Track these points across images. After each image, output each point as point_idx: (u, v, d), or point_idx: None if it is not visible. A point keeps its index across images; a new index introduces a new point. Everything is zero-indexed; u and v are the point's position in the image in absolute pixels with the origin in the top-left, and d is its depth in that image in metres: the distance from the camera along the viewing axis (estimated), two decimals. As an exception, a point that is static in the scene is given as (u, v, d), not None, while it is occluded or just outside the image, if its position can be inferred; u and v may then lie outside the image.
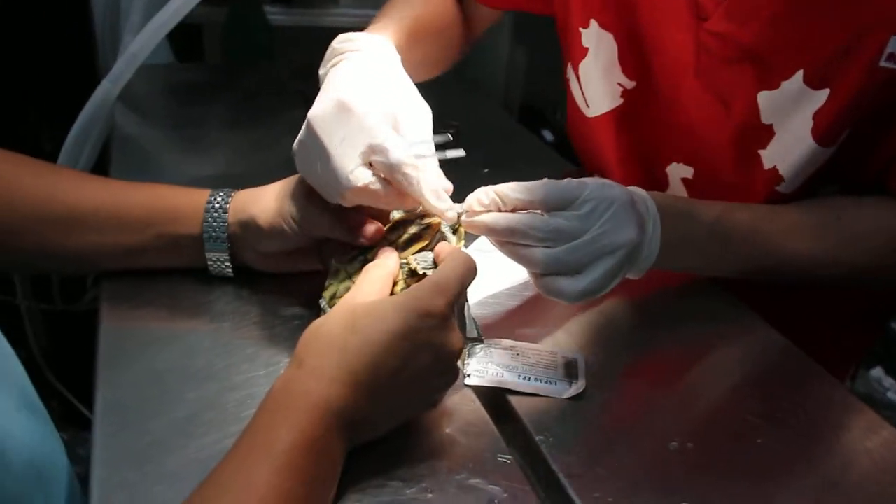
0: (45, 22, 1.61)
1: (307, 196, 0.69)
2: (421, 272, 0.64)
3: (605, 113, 0.93)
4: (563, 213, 0.64)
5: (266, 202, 0.71)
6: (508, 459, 0.61)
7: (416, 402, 0.60)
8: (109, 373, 0.65)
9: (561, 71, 0.97)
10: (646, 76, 0.88)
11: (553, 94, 1.22)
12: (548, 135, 1.60)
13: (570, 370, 0.69)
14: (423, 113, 0.66)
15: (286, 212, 0.69)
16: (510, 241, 0.66)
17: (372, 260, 0.67)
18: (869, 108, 0.73)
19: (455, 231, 0.70)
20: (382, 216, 0.71)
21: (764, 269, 0.77)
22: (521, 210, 0.66)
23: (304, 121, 0.65)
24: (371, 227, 0.68)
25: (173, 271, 0.76)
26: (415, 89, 0.69)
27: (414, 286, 0.59)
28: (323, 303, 0.67)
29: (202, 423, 0.61)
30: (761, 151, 0.79)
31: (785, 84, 0.76)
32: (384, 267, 0.63)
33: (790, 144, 0.77)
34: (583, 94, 0.94)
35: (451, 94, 1.30)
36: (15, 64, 1.58)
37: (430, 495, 0.57)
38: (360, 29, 0.77)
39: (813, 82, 0.74)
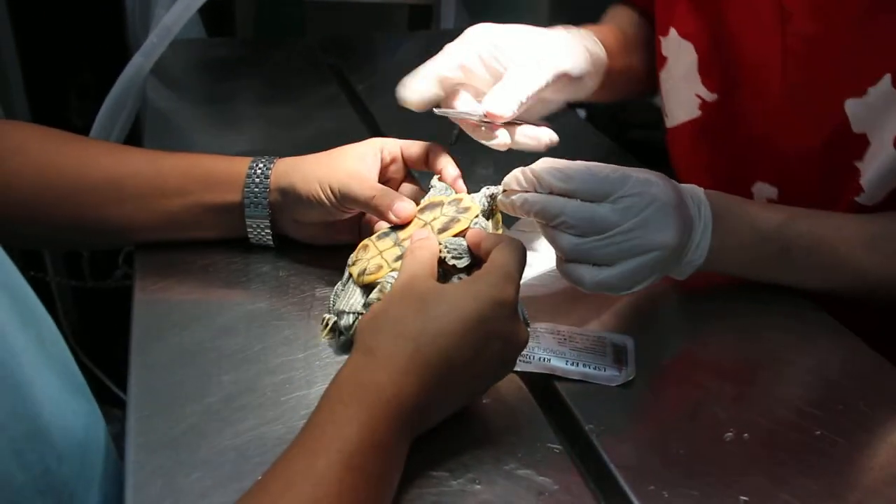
0: (76, -2, 1.58)
1: (347, 169, 0.68)
2: (451, 262, 0.61)
3: (682, 123, 0.89)
4: (601, 205, 0.61)
5: (307, 171, 0.69)
6: (558, 449, 0.58)
7: (475, 392, 0.57)
8: (143, 355, 0.63)
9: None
10: (728, 88, 0.83)
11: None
12: (581, 112, 1.55)
13: (619, 356, 0.66)
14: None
15: (325, 183, 0.68)
16: (542, 221, 0.63)
17: (404, 238, 0.64)
18: None
19: (489, 217, 0.67)
20: (417, 197, 0.70)
21: (833, 285, 0.71)
22: (559, 194, 0.63)
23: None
24: (405, 206, 0.66)
25: (208, 246, 0.73)
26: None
27: (483, 271, 0.56)
28: (349, 280, 0.64)
29: (238, 407, 0.58)
30: (858, 163, 0.74)
31: (872, 90, 0.70)
32: (429, 249, 0.60)
33: (875, 153, 0.72)
34: (663, 102, 0.91)
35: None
36: (46, 39, 1.56)
37: (477, 486, 0.54)
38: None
39: None
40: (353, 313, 0.63)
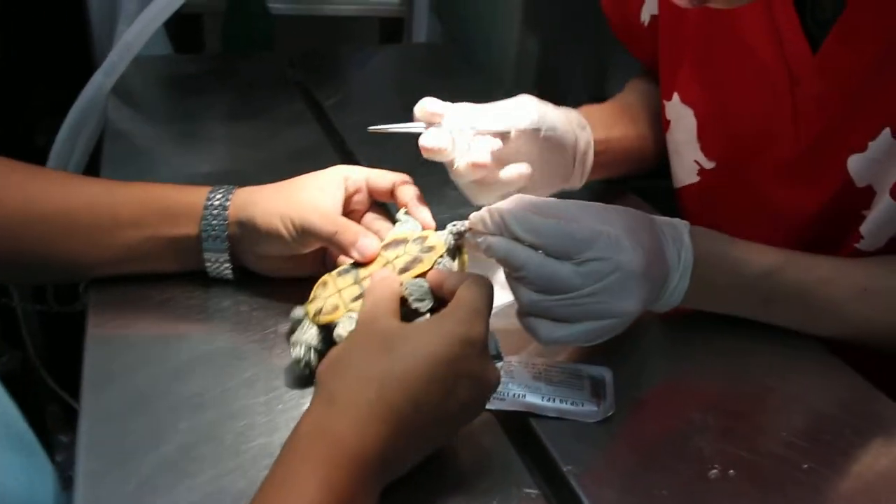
0: (40, 12, 1.53)
1: (308, 202, 0.65)
2: (414, 305, 0.58)
3: (685, 187, 0.87)
4: (564, 264, 0.58)
5: (267, 203, 0.66)
6: (535, 493, 0.54)
7: (445, 436, 0.54)
8: (94, 401, 0.59)
9: (575, 60, 0.91)
10: (728, 156, 0.82)
11: (565, 83, 1.15)
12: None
13: (596, 389, 0.62)
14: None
15: (286, 216, 0.65)
16: (505, 269, 0.61)
17: (365, 276, 0.62)
18: None
19: (455, 255, 0.64)
20: (383, 229, 0.68)
21: (817, 332, 0.69)
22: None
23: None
24: (369, 243, 0.64)
25: (166, 279, 0.70)
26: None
27: (448, 310, 0.53)
28: (301, 312, 0.62)
29: (196, 457, 0.54)
30: (865, 212, 0.72)
31: (872, 144, 0.68)
32: (390, 288, 0.57)
33: (877, 202, 0.70)
34: (670, 163, 0.90)
35: (457, 80, 1.22)
36: (9, 56, 1.51)
37: (449, 539, 0.50)
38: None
39: None
40: (307, 346, 0.60)
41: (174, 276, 0.70)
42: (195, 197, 0.68)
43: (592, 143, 0.78)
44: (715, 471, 0.56)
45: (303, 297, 0.66)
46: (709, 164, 0.83)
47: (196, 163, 0.94)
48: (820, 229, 0.75)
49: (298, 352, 0.60)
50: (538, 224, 0.59)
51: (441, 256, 0.62)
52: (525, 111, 0.70)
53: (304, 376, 0.61)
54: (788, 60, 0.72)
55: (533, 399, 0.61)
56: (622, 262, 0.58)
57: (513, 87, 1.23)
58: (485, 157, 0.66)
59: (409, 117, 0.94)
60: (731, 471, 0.56)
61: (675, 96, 0.84)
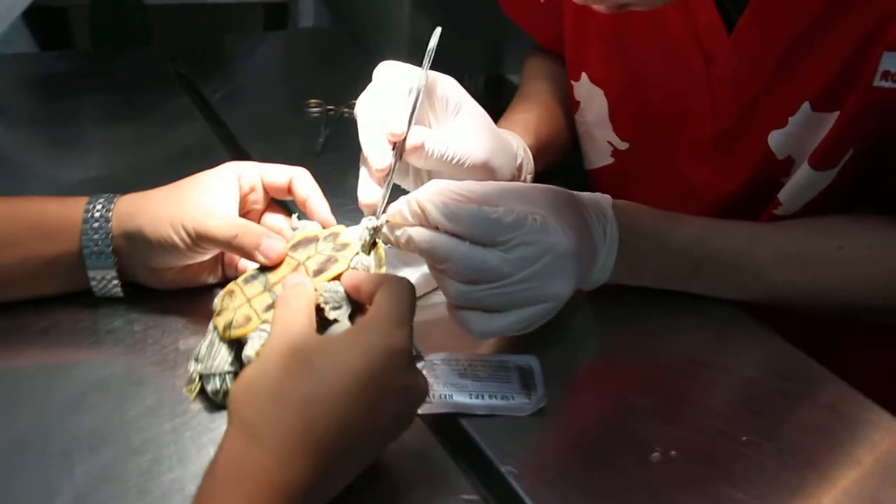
0: None
1: (201, 205, 0.60)
2: (330, 315, 0.54)
3: (598, 169, 0.85)
4: (492, 251, 0.55)
5: (155, 210, 0.60)
6: (474, 499, 0.51)
7: (376, 453, 0.50)
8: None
9: (468, 39, 0.87)
10: (641, 136, 0.79)
11: (460, 63, 1.12)
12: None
13: (526, 380, 0.59)
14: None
15: (177, 223, 0.59)
16: (431, 262, 0.58)
17: (276, 282, 0.57)
18: (870, 130, 0.64)
19: (370, 252, 0.59)
20: (285, 230, 0.63)
21: (746, 298, 0.68)
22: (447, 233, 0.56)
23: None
24: (274, 244, 0.59)
25: (46, 303, 0.63)
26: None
27: (369, 318, 0.49)
28: (213, 333, 0.56)
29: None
30: (784, 179, 0.71)
31: (792, 119, 0.67)
32: (305, 295, 0.52)
33: (795, 170, 0.69)
34: (581, 144, 0.87)
35: (348, 65, 1.16)
36: None
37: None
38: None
39: (822, 108, 0.66)
40: (220, 374, 0.55)
41: (56, 298, 0.63)
42: (72, 209, 0.61)
43: (532, 165, 0.75)
44: (657, 454, 0.54)
45: (203, 310, 0.62)
46: (622, 145, 0.81)
47: (71, 171, 0.85)
48: (739, 202, 0.74)
49: (214, 384, 0.55)
50: (460, 211, 0.55)
51: (356, 254, 0.58)
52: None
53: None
54: (703, 40, 0.71)
55: (461, 398, 0.57)
56: (551, 244, 0.55)
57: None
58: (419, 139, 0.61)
59: (302, 107, 0.88)
60: (673, 452, 0.54)
61: (584, 76, 0.81)
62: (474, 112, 0.65)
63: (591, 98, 0.81)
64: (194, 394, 0.56)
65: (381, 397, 0.46)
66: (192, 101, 1.04)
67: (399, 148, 0.61)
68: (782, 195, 0.70)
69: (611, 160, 0.83)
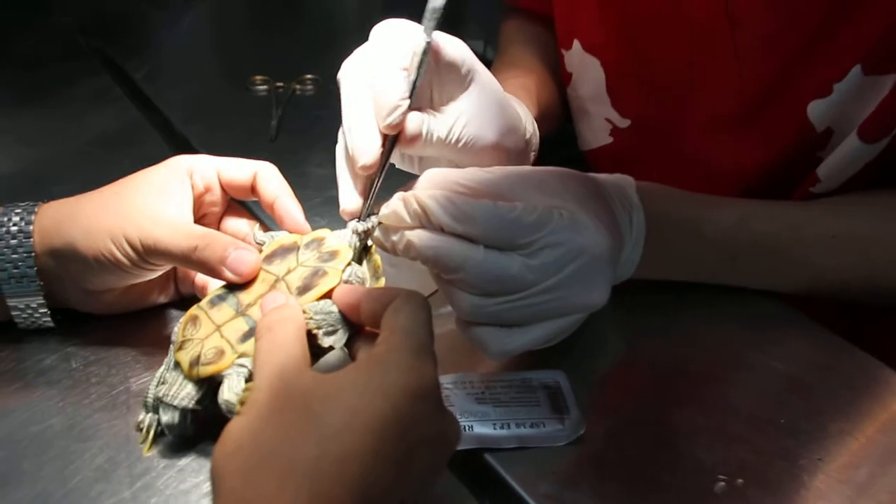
0: None
1: (148, 212, 0.51)
2: (325, 343, 0.45)
3: (595, 150, 0.76)
4: (511, 256, 0.47)
5: (89, 221, 0.51)
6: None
7: None
8: None
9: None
10: (645, 112, 0.71)
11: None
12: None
13: (555, 400, 0.51)
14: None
15: (118, 235, 0.50)
16: (436, 272, 0.49)
17: (250, 303, 0.48)
18: None
19: (361, 260, 0.51)
20: (250, 237, 0.55)
21: (788, 289, 0.61)
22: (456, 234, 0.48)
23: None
24: (245, 256, 0.50)
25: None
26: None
27: (383, 350, 0.40)
28: (175, 362, 0.47)
29: None
30: (820, 153, 0.63)
31: (838, 86, 0.60)
32: (293, 322, 0.44)
33: (836, 143, 0.62)
34: (574, 122, 0.78)
35: (288, 29, 1.06)
36: None
37: None
38: None
39: (876, 70, 0.58)
40: (181, 409, 0.46)
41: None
42: None
43: (537, 141, 0.66)
44: (721, 483, 0.47)
45: (156, 336, 0.53)
46: (623, 123, 0.74)
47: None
48: (767, 181, 0.67)
49: (172, 417, 0.46)
50: (471, 209, 0.46)
51: (349, 264, 0.49)
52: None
53: (178, 442, 0.47)
54: None
55: (483, 429, 0.49)
56: (583, 245, 0.47)
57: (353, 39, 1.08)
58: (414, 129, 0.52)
59: (246, 84, 0.77)
60: (739, 479, 0.47)
61: (576, 44, 0.73)
62: (485, 82, 0.56)
63: (585, 69, 0.73)
64: (148, 445, 0.47)
65: (406, 452, 0.38)
66: (113, 79, 0.93)
67: (392, 137, 0.52)
68: (822, 171, 0.63)
69: (609, 140, 0.75)
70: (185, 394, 0.46)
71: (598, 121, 0.75)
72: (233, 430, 0.38)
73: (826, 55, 0.60)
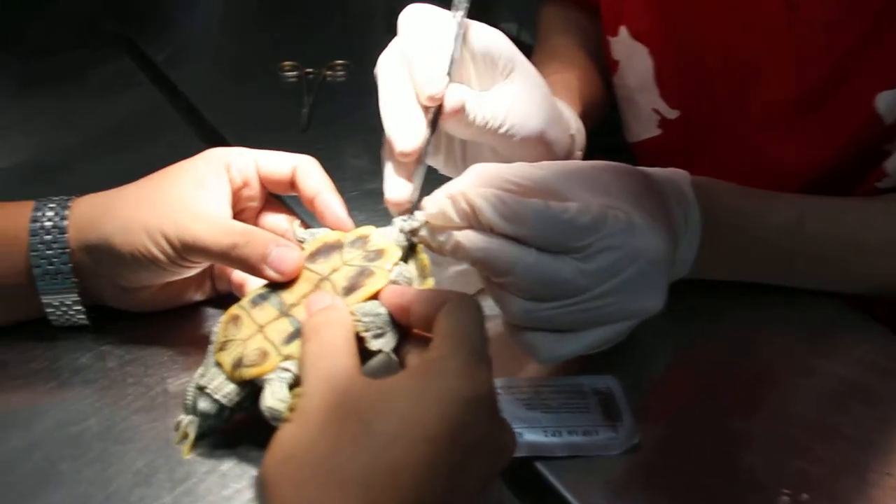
0: None
1: (186, 206, 0.50)
2: (373, 346, 0.44)
3: (642, 141, 0.75)
4: (564, 260, 0.46)
5: (125, 215, 0.50)
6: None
7: None
8: None
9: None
10: (694, 104, 0.69)
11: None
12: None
13: (607, 407, 0.50)
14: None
15: (156, 231, 0.49)
16: (485, 274, 0.48)
17: (294, 304, 0.47)
18: None
19: (408, 260, 0.50)
20: (290, 233, 0.54)
21: (847, 291, 0.60)
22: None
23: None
24: (288, 254, 0.49)
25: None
26: None
27: (437, 356, 0.40)
28: (216, 363, 0.46)
29: None
30: (888, 146, 0.62)
31: None
32: (341, 325, 0.43)
33: None
34: (620, 112, 0.76)
35: (314, 11, 1.05)
36: None
37: None
38: None
39: None
40: (219, 400, 0.45)
41: (2, 331, 0.53)
42: (14, 217, 0.51)
43: (584, 139, 0.65)
44: (785, 498, 0.45)
45: (193, 335, 0.53)
46: (671, 114, 0.72)
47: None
48: (828, 176, 0.65)
49: (210, 407, 0.45)
50: (522, 210, 0.45)
51: (396, 263, 0.48)
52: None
53: (218, 443, 0.46)
54: None
55: (534, 436, 0.48)
56: (640, 248, 0.46)
57: (384, 23, 1.07)
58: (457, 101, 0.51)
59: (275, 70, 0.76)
60: (804, 494, 0.46)
61: (623, 30, 0.71)
62: (527, 71, 0.55)
63: (633, 57, 0.72)
64: (188, 447, 0.46)
65: (461, 461, 0.37)
66: (134, 62, 0.92)
67: (434, 116, 0.51)
68: (890, 165, 0.61)
69: (658, 131, 0.73)
70: (227, 391, 0.45)
71: (646, 112, 0.73)
72: (284, 438, 0.38)
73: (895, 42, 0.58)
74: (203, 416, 0.45)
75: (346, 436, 0.37)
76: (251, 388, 0.45)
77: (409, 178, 0.51)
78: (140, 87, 0.87)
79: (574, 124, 0.62)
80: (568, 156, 0.60)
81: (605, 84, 0.76)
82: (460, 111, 0.51)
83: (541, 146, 0.56)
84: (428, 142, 0.51)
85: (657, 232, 0.47)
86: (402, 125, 0.50)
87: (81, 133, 0.78)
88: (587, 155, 0.61)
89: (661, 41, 0.70)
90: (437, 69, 0.50)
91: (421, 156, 0.51)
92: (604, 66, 0.76)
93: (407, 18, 0.53)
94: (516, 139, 0.54)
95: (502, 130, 0.53)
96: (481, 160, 0.53)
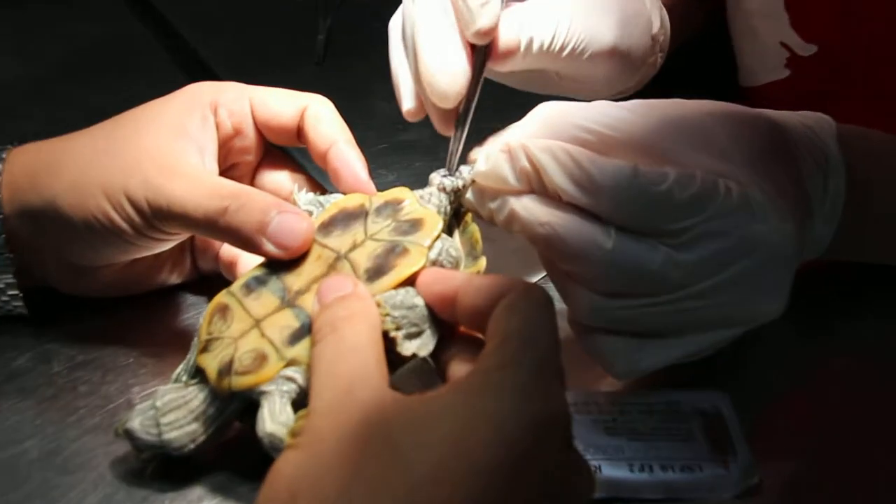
0: None
1: (159, 158, 0.48)
2: (405, 350, 0.42)
3: (763, 86, 0.72)
4: (654, 246, 0.44)
5: (78, 170, 0.49)
6: None
7: None
8: None
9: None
10: (836, 36, 0.66)
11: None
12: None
13: (716, 434, 0.46)
14: None
15: (118, 190, 0.47)
16: (548, 256, 0.48)
17: (301, 290, 0.45)
18: None
19: (452, 230, 0.48)
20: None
21: None
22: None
23: None
24: (294, 222, 0.46)
25: None
26: None
27: (493, 366, 0.37)
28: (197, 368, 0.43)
29: None
30: None
31: None
32: (366, 319, 0.41)
33: None
34: (735, 47, 0.74)
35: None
36: None
37: None
38: None
39: None
40: (196, 433, 0.42)
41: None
42: None
43: (668, 37, 0.64)
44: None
45: (167, 331, 0.52)
46: (806, 50, 0.68)
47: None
48: None
49: (181, 438, 0.42)
50: (601, 174, 0.43)
51: (438, 237, 0.45)
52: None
53: (192, 472, 0.44)
54: None
55: (615, 472, 0.45)
56: (759, 235, 0.44)
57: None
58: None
59: None
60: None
61: None
62: None
63: None
64: (150, 468, 0.43)
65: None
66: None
67: (481, 54, 0.49)
68: None
69: (785, 73, 0.70)
70: (190, 430, 0.42)
71: (771, 46, 0.70)
72: (285, 468, 0.35)
73: None
74: (177, 448, 0.42)
75: (370, 468, 0.34)
76: (242, 402, 0.42)
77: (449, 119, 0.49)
78: (113, 10, 0.86)
79: (656, 20, 0.60)
80: (648, 68, 0.60)
81: None
82: (514, 50, 0.49)
83: (614, 61, 0.55)
84: (478, 84, 0.49)
85: (783, 213, 0.44)
86: (442, 61, 0.49)
87: (37, 62, 0.77)
88: (682, 94, 0.58)
89: None
90: None
91: (465, 103, 0.49)
92: None
93: None
94: (585, 57, 0.52)
95: (565, 52, 0.51)
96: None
